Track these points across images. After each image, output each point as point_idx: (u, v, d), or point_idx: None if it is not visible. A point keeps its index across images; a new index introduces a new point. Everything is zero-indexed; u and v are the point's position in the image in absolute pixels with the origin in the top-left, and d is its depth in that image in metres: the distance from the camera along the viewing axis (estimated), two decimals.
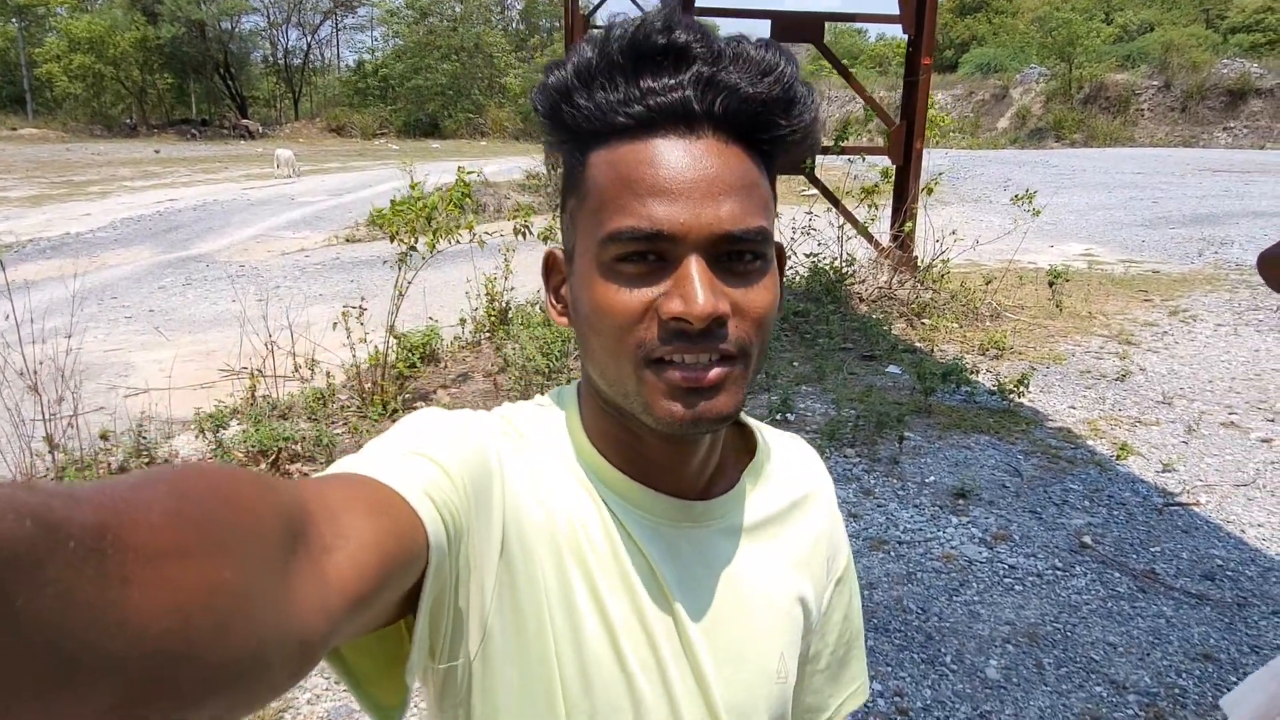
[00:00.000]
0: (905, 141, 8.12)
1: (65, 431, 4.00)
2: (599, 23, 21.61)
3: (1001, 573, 3.51)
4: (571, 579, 0.70)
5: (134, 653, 0.31)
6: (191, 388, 5.83)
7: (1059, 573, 3.52)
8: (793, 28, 8.26)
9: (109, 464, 4.11)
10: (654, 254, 0.64)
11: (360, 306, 5.27)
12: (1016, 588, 3.41)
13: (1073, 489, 4.25)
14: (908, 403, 5.28)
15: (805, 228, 7.49)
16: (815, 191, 8.28)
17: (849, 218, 7.91)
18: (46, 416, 3.98)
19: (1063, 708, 2.76)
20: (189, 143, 36.54)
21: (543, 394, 0.84)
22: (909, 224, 8.06)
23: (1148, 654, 3.02)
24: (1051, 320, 7.49)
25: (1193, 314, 7.75)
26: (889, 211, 8.37)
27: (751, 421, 0.87)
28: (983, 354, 6.45)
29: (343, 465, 0.58)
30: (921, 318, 7.39)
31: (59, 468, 3.87)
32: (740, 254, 0.65)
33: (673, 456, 0.74)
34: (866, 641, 2.88)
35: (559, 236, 0.78)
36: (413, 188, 5.25)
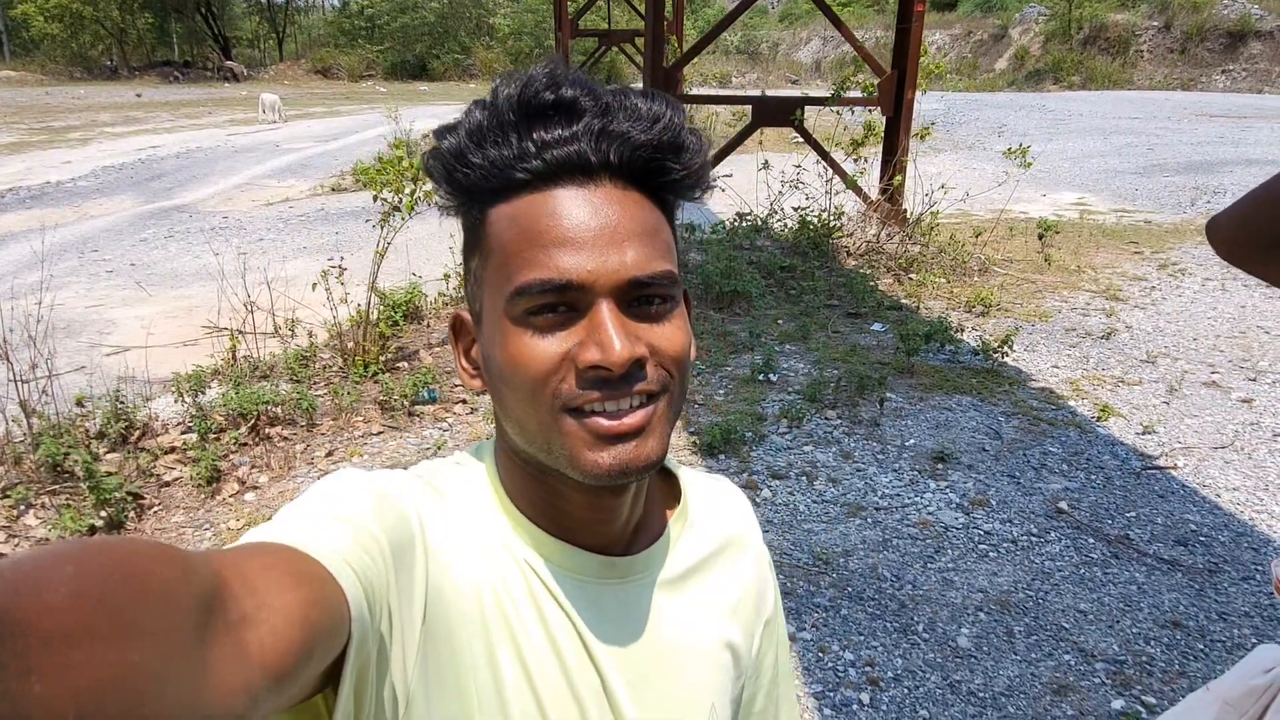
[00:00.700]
0: (896, 91, 7.97)
1: (40, 398, 3.96)
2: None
3: (977, 539, 3.54)
4: (495, 642, 0.68)
5: None
6: (174, 345, 5.79)
7: (1034, 539, 3.55)
8: None
9: (86, 429, 4.09)
10: (564, 304, 0.63)
11: (340, 266, 5.21)
12: (991, 554, 3.44)
13: (1052, 452, 4.27)
14: (891, 362, 5.27)
15: (794, 181, 7.39)
16: (804, 140, 8.17)
17: (838, 170, 7.79)
18: (19, 380, 3.94)
19: (1031, 676, 2.80)
20: (171, 86, 35.71)
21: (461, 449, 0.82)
22: (898, 177, 7.95)
23: (1117, 621, 3.06)
24: (1040, 274, 7.45)
25: (1181, 267, 7.72)
26: (879, 163, 8.26)
27: (676, 467, 0.85)
28: (969, 311, 6.42)
29: (258, 533, 0.56)
30: (909, 272, 7.34)
31: (34, 434, 3.84)
32: (649, 298, 0.65)
33: (596, 512, 0.73)
34: (841, 609, 2.90)
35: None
36: (396, 147, 5.14)
